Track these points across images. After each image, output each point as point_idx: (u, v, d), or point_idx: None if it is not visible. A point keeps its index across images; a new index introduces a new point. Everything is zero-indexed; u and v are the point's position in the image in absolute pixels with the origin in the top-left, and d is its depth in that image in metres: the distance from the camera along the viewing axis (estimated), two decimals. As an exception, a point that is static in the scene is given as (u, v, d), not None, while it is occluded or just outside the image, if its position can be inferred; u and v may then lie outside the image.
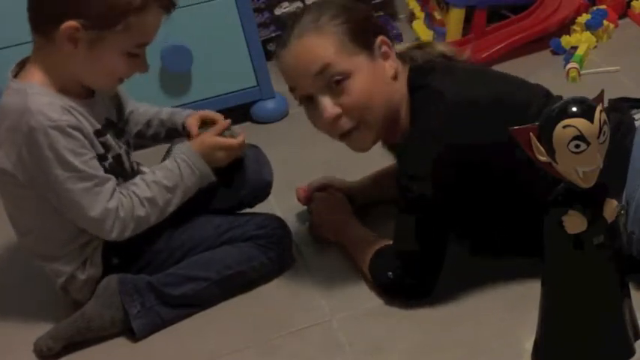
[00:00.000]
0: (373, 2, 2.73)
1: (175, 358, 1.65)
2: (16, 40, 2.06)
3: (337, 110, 1.59)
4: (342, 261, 1.79)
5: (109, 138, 1.66)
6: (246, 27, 2.31)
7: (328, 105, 1.59)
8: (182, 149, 1.71)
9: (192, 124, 1.77)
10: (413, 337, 1.59)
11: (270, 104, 2.39)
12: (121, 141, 1.71)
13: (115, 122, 1.72)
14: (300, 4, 2.62)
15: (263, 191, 1.82)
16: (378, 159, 1.82)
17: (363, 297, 1.70)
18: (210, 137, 1.72)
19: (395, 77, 1.62)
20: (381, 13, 2.74)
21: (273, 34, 2.62)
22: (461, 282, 1.70)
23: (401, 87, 1.63)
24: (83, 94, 1.63)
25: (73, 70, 1.59)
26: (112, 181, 1.62)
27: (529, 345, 1.37)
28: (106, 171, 1.63)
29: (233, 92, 2.36)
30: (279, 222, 1.81)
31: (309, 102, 1.62)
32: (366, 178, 1.96)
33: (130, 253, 1.70)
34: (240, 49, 2.32)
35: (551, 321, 1.31)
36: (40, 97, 1.55)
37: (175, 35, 2.19)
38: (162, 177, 1.66)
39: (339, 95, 1.58)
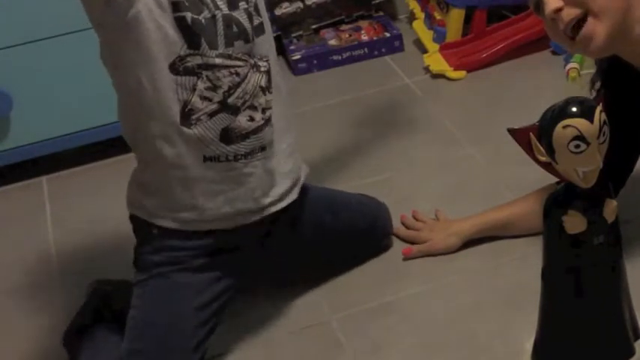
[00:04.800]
0: (373, 2, 2.73)
1: (175, 358, 1.65)
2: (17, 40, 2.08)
3: (559, 3, 1.46)
4: (342, 261, 1.79)
5: None
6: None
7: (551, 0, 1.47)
8: None
9: None
10: (413, 337, 1.59)
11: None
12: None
13: None
14: (300, 5, 2.62)
15: None
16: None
17: (363, 297, 1.71)
18: None
19: None
20: (381, 13, 2.75)
21: (274, 34, 2.62)
22: (461, 282, 1.70)
23: None
24: None
25: None
26: None
27: (529, 345, 1.37)
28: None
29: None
30: None
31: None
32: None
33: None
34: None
35: (551, 321, 1.31)
36: None
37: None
38: None
39: None
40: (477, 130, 2.18)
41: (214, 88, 1.44)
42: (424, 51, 2.57)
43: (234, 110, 1.47)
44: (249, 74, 1.47)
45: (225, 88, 1.45)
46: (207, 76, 1.43)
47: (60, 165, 2.27)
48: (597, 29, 1.45)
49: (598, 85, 1.66)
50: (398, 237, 1.83)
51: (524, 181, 1.78)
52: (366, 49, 2.62)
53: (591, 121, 1.15)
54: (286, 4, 2.61)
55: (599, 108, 1.16)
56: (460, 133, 2.19)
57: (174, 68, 1.42)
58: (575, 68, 2.32)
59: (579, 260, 1.24)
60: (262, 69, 1.49)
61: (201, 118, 1.45)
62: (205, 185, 1.50)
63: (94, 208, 2.10)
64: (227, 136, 1.47)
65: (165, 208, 1.53)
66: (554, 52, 2.49)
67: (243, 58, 1.46)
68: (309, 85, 2.48)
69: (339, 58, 2.61)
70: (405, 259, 1.78)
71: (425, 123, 2.25)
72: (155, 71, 1.42)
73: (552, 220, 1.23)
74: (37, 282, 1.88)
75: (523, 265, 1.67)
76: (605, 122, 1.16)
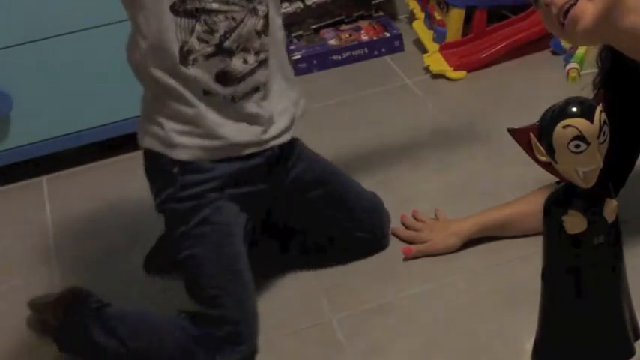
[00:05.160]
0: (373, 2, 2.73)
1: (175, 358, 1.65)
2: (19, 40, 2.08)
3: None
4: (342, 261, 1.79)
5: None
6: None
7: None
8: None
9: None
10: (413, 337, 1.59)
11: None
12: None
13: None
14: (300, 5, 2.62)
15: None
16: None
17: (363, 297, 1.70)
18: None
19: None
20: (381, 13, 2.75)
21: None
22: (461, 282, 1.70)
23: None
24: None
25: None
26: None
27: (529, 345, 1.37)
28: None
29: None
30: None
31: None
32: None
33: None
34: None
35: (551, 321, 1.31)
36: None
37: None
38: None
39: None
40: (477, 130, 2.18)
41: (211, 31, 1.51)
42: (424, 51, 2.57)
43: (229, 53, 1.53)
44: (245, 18, 1.53)
45: (222, 32, 1.52)
46: (204, 19, 1.50)
47: (60, 165, 2.27)
48: (587, 10, 1.45)
49: (603, 55, 1.66)
50: (398, 237, 1.83)
51: (524, 181, 1.78)
52: (366, 49, 2.62)
53: (591, 121, 1.15)
54: (286, 4, 2.61)
55: (599, 108, 1.16)
56: (460, 133, 2.19)
57: (174, 9, 1.49)
58: (575, 68, 2.32)
59: (579, 260, 1.24)
60: (260, 13, 1.54)
61: (198, 59, 1.52)
62: (209, 116, 1.55)
63: (94, 208, 2.10)
64: (223, 78, 1.54)
65: (177, 133, 1.56)
66: (554, 52, 2.49)
67: (240, 3, 1.52)
68: (309, 85, 2.48)
69: (339, 58, 2.61)
70: (405, 259, 1.78)
71: (425, 123, 2.25)
72: (160, 12, 1.49)
73: (552, 220, 1.23)
74: (37, 282, 1.88)
75: (523, 265, 1.67)
76: (605, 122, 1.16)
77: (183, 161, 1.57)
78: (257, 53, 1.56)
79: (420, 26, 2.66)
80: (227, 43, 1.53)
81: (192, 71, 1.52)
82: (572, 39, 1.54)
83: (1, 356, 1.71)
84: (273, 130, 1.62)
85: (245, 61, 1.55)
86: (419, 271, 1.76)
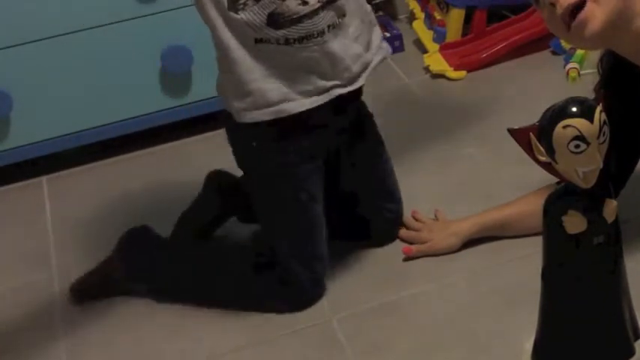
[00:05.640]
0: (374, 2, 2.73)
1: (175, 358, 1.65)
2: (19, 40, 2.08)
3: None
4: (343, 261, 1.79)
5: None
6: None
7: None
8: None
9: None
10: (412, 337, 1.59)
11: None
12: None
13: None
14: (300, 4, 2.62)
15: None
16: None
17: (363, 297, 1.70)
18: None
19: None
20: (381, 13, 2.75)
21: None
22: (461, 282, 1.70)
23: None
24: None
25: None
26: None
27: (529, 345, 1.37)
28: None
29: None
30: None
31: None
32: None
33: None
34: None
35: (551, 321, 1.31)
36: None
37: (175, 35, 2.19)
38: None
39: None
40: (476, 130, 2.18)
41: None
42: (424, 51, 2.57)
43: None
44: None
45: None
46: None
47: (60, 165, 2.27)
48: (595, 14, 1.43)
49: (605, 62, 1.65)
50: (398, 237, 1.83)
51: (524, 181, 1.78)
52: (366, 49, 2.61)
53: (591, 121, 1.15)
54: (286, 4, 2.61)
55: (599, 108, 1.16)
56: (460, 133, 2.19)
57: None
58: (575, 68, 2.32)
59: (579, 260, 1.24)
60: None
61: (248, 2, 1.47)
62: (265, 67, 1.53)
63: (93, 208, 2.10)
64: (274, 20, 1.49)
65: (241, 98, 1.56)
66: (554, 52, 2.48)
67: None
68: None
69: (339, 58, 2.60)
70: (406, 259, 1.78)
71: (425, 123, 2.25)
72: None
73: (552, 220, 1.23)
74: (37, 282, 1.88)
75: (523, 265, 1.67)
76: (605, 122, 1.16)
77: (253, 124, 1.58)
78: None
79: (420, 26, 2.66)
80: None
81: (242, 15, 1.48)
82: (578, 42, 1.51)
83: (2, 356, 1.71)
84: (339, 76, 1.58)
85: (304, 2, 1.49)
86: (419, 271, 1.76)
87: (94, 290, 1.78)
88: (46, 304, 1.81)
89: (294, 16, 1.49)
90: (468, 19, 2.53)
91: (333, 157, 1.70)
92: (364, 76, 1.63)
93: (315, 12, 1.50)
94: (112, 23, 2.11)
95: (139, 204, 2.08)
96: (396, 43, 2.63)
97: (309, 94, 1.57)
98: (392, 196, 1.81)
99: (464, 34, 2.54)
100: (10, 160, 2.20)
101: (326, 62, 1.56)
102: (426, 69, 2.49)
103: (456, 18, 2.51)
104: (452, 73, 2.45)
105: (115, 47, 2.14)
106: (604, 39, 1.49)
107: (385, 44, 1.68)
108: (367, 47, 1.63)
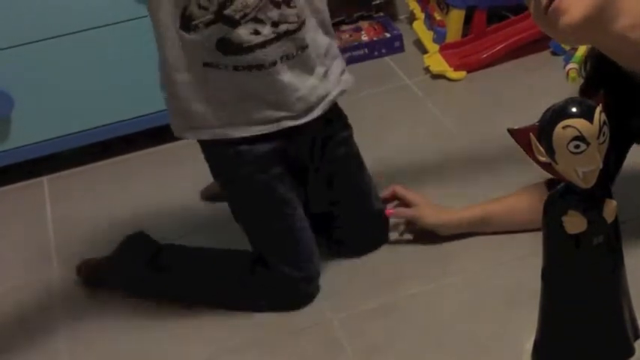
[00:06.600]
0: (374, 2, 2.73)
1: (175, 358, 1.65)
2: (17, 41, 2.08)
3: None
4: (343, 261, 1.80)
5: None
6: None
7: None
8: None
9: None
10: (412, 337, 1.59)
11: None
12: None
13: None
14: (300, 5, 2.62)
15: None
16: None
17: (363, 297, 1.71)
18: None
19: None
20: (382, 14, 2.75)
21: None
22: (461, 282, 1.70)
23: None
24: None
25: None
26: None
27: (529, 345, 1.37)
28: None
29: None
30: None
31: None
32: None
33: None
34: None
35: (551, 321, 1.31)
36: None
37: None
38: None
39: None
40: (477, 130, 2.18)
41: None
42: (424, 51, 2.57)
43: (232, 22, 1.46)
44: None
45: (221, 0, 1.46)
46: None
47: (60, 165, 2.28)
48: (576, 4, 1.37)
49: (589, 66, 1.65)
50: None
51: (525, 181, 1.78)
52: (366, 50, 2.62)
53: (591, 121, 1.15)
54: (286, 4, 2.61)
55: (599, 108, 1.16)
56: (460, 133, 2.19)
57: None
58: (574, 68, 2.32)
59: (579, 260, 1.25)
60: None
61: (199, 25, 1.47)
62: (211, 91, 1.52)
63: (94, 208, 2.10)
64: (224, 46, 1.48)
65: (181, 116, 1.57)
66: (554, 53, 2.49)
67: None
68: (310, 85, 2.48)
69: (340, 58, 2.61)
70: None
71: (425, 123, 2.25)
72: None
73: (552, 220, 1.23)
74: (37, 282, 1.88)
75: (523, 265, 1.67)
76: (605, 122, 1.16)
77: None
78: (276, 24, 1.48)
79: (420, 27, 2.66)
80: (227, 11, 1.46)
81: (193, 37, 1.48)
82: (555, 33, 1.45)
83: (2, 356, 1.71)
84: (286, 108, 1.56)
85: (256, 32, 1.47)
86: (419, 271, 1.76)
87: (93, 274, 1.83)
88: (46, 304, 1.82)
89: (245, 45, 1.48)
90: (468, 20, 2.53)
91: (302, 173, 1.69)
92: (321, 107, 1.60)
93: (268, 42, 1.49)
94: (112, 24, 2.11)
95: (139, 204, 2.08)
96: (396, 43, 2.63)
97: (254, 122, 1.56)
98: (373, 216, 1.80)
99: (464, 34, 2.54)
100: (10, 160, 2.20)
101: (276, 92, 1.54)
102: (426, 69, 2.49)
103: (456, 18, 2.51)
104: (452, 73, 2.45)
105: (115, 47, 2.14)
106: (584, 34, 1.42)
107: (347, 76, 1.66)
108: (326, 79, 1.61)
